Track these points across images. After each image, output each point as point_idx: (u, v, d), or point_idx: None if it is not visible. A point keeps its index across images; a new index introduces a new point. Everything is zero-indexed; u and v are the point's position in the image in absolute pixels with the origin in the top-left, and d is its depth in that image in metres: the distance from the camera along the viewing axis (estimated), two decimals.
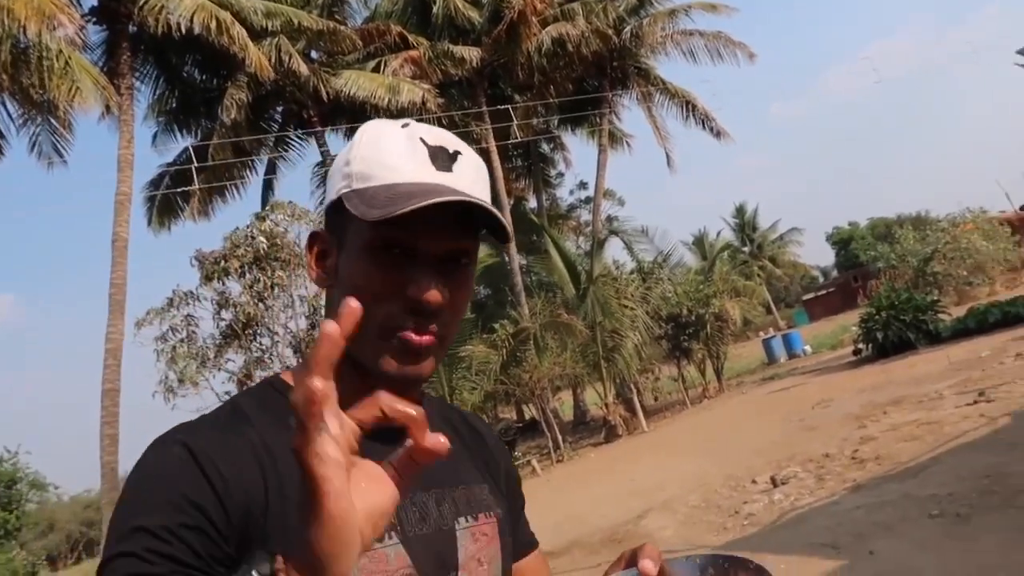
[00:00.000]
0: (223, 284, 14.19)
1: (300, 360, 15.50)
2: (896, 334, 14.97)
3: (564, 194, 30.29)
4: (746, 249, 48.17)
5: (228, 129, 16.53)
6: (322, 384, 0.53)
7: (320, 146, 18.69)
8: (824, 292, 50.49)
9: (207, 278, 14.01)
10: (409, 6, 20.27)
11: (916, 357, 13.77)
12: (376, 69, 17.62)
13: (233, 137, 16.83)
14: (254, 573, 0.56)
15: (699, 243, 40.56)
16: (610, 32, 20.74)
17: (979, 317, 14.63)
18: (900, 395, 9.98)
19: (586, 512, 8.82)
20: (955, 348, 13.10)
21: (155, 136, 18.55)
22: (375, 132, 0.83)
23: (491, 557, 0.87)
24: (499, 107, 20.34)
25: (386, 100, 16.29)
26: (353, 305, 0.56)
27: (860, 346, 16.39)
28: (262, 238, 13.89)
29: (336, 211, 0.81)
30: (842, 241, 58.29)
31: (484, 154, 20.69)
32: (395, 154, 0.79)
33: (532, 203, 26.83)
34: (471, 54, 18.94)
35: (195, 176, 16.64)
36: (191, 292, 14.18)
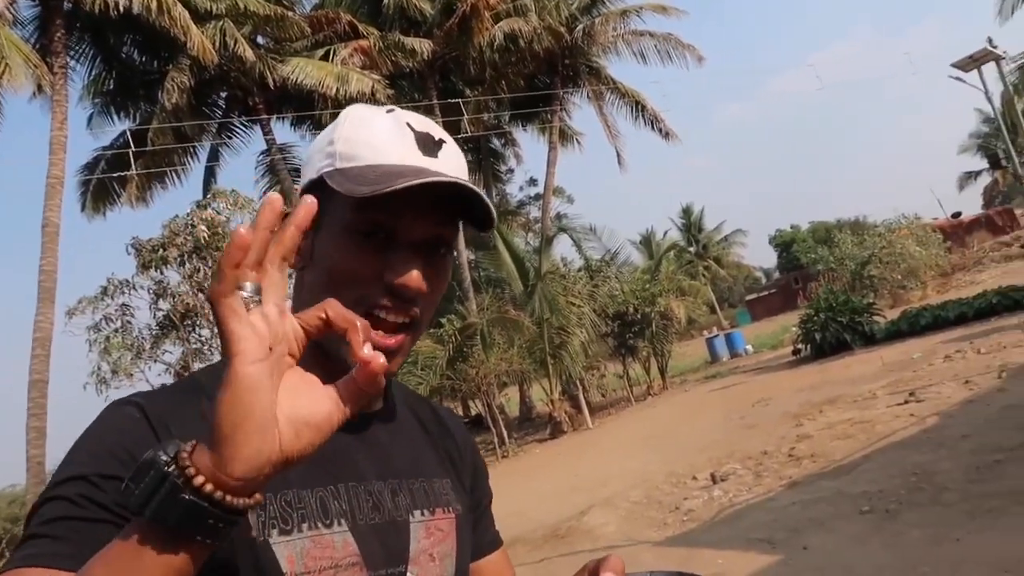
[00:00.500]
0: (161, 273, 13.79)
1: None
2: (833, 335, 15.38)
3: (514, 190, 30.31)
4: (692, 249, 48.97)
5: (169, 114, 16.00)
6: (249, 234, 0.52)
7: (265, 134, 18.25)
8: (766, 293, 51.73)
9: (144, 266, 13.58)
10: None
11: (852, 358, 14.18)
12: (325, 57, 17.29)
13: (174, 122, 16.29)
14: (160, 453, 0.53)
15: (646, 242, 41.07)
16: (562, 30, 20.79)
17: (911, 320, 15.14)
18: (836, 394, 10.25)
19: (530, 508, 8.81)
20: (888, 350, 13.53)
21: (90, 118, 17.85)
22: (360, 115, 0.82)
23: (444, 553, 0.84)
24: (450, 101, 20.19)
25: (334, 89, 15.99)
26: (308, 201, 0.57)
27: (799, 346, 16.81)
28: (203, 227, 13.51)
29: (315, 191, 0.78)
30: (784, 244, 59.77)
31: None
32: (382, 136, 0.78)
33: None
34: (422, 46, 18.74)
35: (133, 161, 16.06)
36: (127, 281, 13.74)
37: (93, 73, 16.96)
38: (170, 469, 0.52)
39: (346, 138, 0.79)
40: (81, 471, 0.66)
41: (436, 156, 0.80)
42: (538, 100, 22.41)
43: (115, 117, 17.91)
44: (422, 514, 0.83)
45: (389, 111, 0.82)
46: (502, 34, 19.07)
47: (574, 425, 16.26)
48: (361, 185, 0.73)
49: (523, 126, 25.00)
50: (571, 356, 16.17)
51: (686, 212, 51.96)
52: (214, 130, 18.79)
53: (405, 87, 20.68)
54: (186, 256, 13.55)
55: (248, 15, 15.76)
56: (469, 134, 21.11)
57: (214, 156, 19.24)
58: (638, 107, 22.95)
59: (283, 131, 24.96)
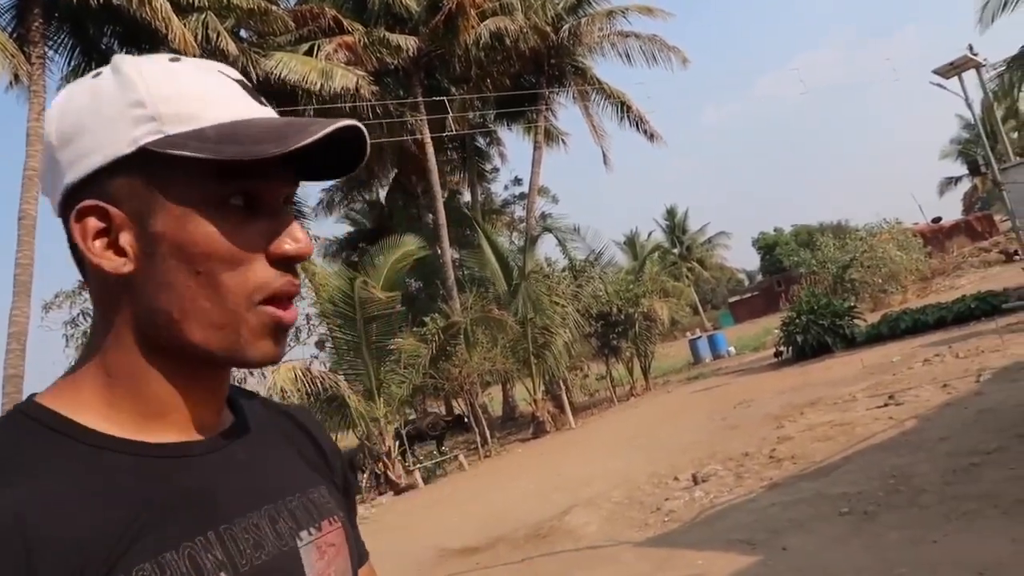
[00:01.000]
0: None
1: None
2: (815, 338, 15.49)
3: (499, 189, 30.22)
4: (676, 251, 49.23)
5: None
6: None
7: None
8: (749, 295, 52.07)
9: None
10: None
11: (833, 360, 14.29)
12: (309, 53, 17.14)
13: None
14: None
15: (631, 243, 41.20)
16: (548, 29, 20.78)
17: (891, 324, 15.29)
18: (816, 397, 10.32)
19: (512, 507, 8.79)
20: (869, 353, 13.65)
21: None
22: (158, 66, 0.66)
23: (342, 571, 0.74)
24: (435, 98, 20.12)
25: (318, 85, 15.86)
26: None
27: (781, 349, 16.91)
28: None
29: (124, 170, 0.63)
30: (767, 246, 60.19)
31: (419, 145, 20.48)
32: (210, 88, 0.65)
33: (466, 197, 26.69)
34: (408, 43, 18.65)
35: None
36: None
37: (72, 64, 16.68)
38: None
39: (162, 96, 0.63)
40: None
41: (265, 104, 0.69)
42: (524, 99, 22.39)
43: None
44: (309, 533, 0.71)
45: (174, 59, 0.67)
46: (488, 32, 19.02)
47: (557, 425, 16.26)
48: (257, 144, 0.61)
49: (508, 125, 24.97)
50: (554, 356, 16.17)
51: (670, 214, 52.24)
52: None
53: (390, 84, 20.58)
54: None
55: (231, 8, 15.58)
56: (454, 132, 21.05)
57: None
58: (623, 108, 22.99)
59: None
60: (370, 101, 17.02)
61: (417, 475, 13.83)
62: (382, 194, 28.24)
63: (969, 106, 18.11)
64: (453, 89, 21.93)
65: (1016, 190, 15.31)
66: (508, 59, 21.00)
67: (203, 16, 14.93)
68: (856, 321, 16.06)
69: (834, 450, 7.08)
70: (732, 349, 24.72)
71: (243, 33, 17.81)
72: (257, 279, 0.65)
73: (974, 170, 46.22)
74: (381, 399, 13.67)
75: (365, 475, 14.20)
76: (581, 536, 6.65)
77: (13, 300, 12.25)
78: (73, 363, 0.71)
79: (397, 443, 14.05)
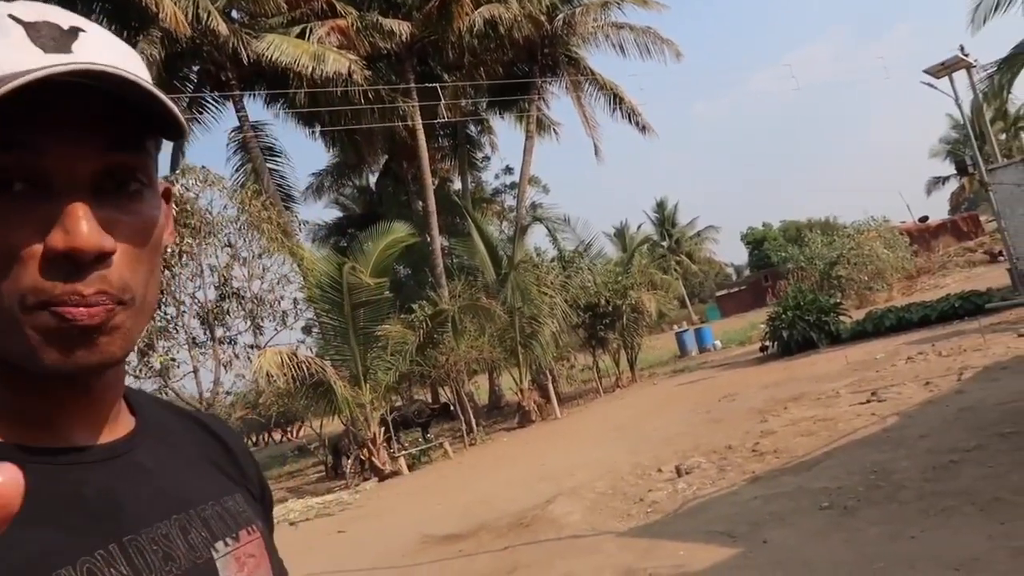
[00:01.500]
0: None
1: (205, 330, 15.00)
2: (800, 333, 15.60)
3: (489, 178, 30.19)
4: (665, 244, 49.35)
5: None
6: None
7: (238, 111, 17.92)
8: (736, 290, 52.30)
9: None
10: None
11: (817, 356, 14.40)
12: (301, 35, 17.00)
13: None
14: None
15: (620, 235, 41.23)
16: (543, 18, 20.69)
17: (876, 321, 15.41)
18: (800, 392, 10.40)
19: (496, 495, 8.82)
20: (853, 349, 13.76)
21: None
22: None
23: None
24: (427, 85, 20.01)
25: (310, 68, 15.75)
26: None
27: (767, 343, 17.02)
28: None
29: None
30: (755, 241, 60.40)
31: (410, 132, 20.38)
32: None
33: (457, 185, 26.63)
34: (401, 28, 18.53)
35: None
36: None
37: None
38: None
39: None
40: None
41: (69, 50, 0.54)
42: (516, 88, 22.31)
43: None
44: (226, 544, 0.65)
45: None
46: (482, 20, 18.92)
47: (543, 415, 16.31)
48: None
49: (500, 114, 24.89)
50: (541, 346, 16.20)
51: (660, 206, 52.33)
52: (184, 104, 18.40)
53: (382, 69, 20.44)
54: None
55: None
56: (446, 119, 20.96)
57: None
58: (616, 99, 22.96)
59: (256, 108, 24.55)
60: (362, 86, 16.89)
61: (402, 462, 13.85)
62: (372, 180, 28.14)
63: (959, 106, 18.22)
64: (446, 76, 21.83)
65: (1002, 191, 15.44)
66: (501, 47, 20.91)
67: None
68: (841, 318, 16.19)
69: (816, 445, 7.14)
70: (718, 343, 24.86)
71: (235, 14, 17.65)
72: (29, 281, 0.53)
73: (962, 170, 46.51)
74: (367, 385, 13.65)
75: (350, 460, 14.21)
76: (564, 525, 6.69)
77: None
78: None
79: (382, 429, 14.05)
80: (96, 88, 0.53)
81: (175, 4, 14.07)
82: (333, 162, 26.47)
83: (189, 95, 18.35)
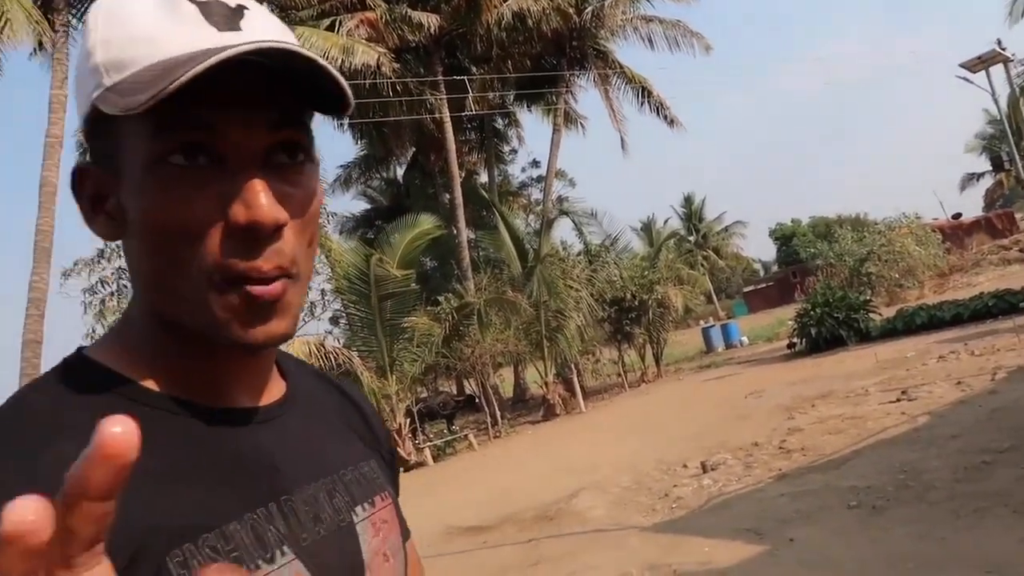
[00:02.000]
0: None
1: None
2: (829, 331, 15.42)
3: (516, 171, 30.18)
4: (692, 238, 49.00)
5: None
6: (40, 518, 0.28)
7: None
8: (764, 285, 51.78)
9: None
10: None
11: (846, 354, 14.23)
12: (330, 28, 17.12)
13: None
14: None
15: (647, 229, 40.98)
16: (571, 11, 20.60)
17: (907, 319, 15.18)
18: (828, 389, 10.29)
19: (520, 488, 8.86)
20: (883, 347, 13.56)
21: None
22: (112, 7, 0.57)
23: (395, 548, 0.71)
24: (455, 78, 20.03)
25: (339, 61, 15.82)
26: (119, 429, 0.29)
27: (794, 340, 16.85)
28: None
29: (99, 130, 0.58)
30: (784, 237, 59.77)
31: (438, 124, 20.44)
32: (150, 23, 0.55)
33: (483, 178, 26.65)
34: (430, 20, 18.56)
35: None
36: None
37: None
38: None
39: (105, 40, 0.56)
40: None
41: (239, 28, 0.56)
42: (544, 81, 22.25)
43: None
44: (363, 509, 0.68)
45: None
46: (510, 12, 18.90)
47: (567, 408, 16.33)
48: (136, 95, 0.51)
49: (528, 107, 24.87)
50: (567, 340, 16.20)
51: (687, 201, 51.94)
52: None
53: (411, 61, 20.50)
54: None
55: None
56: (473, 112, 20.98)
57: None
58: (644, 92, 22.82)
59: None
60: (390, 79, 16.96)
61: (427, 453, 13.96)
62: (399, 172, 28.26)
63: (995, 101, 17.86)
64: (473, 69, 21.84)
65: None
66: (529, 40, 20.86)
67: None
68: (871, 315, 15.96)
69: (844, 443, 7.07)
70: (745, 339, 24.65)
71: (266, 7, 17.79)
72: (213, 257, 0.55)
73: (997, 166, 45.56)
74: (393, 376, 13.77)
75: None
76: (588, 519, 6.70)
77: (33, 267, 12.41)
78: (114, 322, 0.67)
79: (408, 420, 14.17)
80: (262, 64, 0.54)
81: None
82: (361, 154, 26.64)
83: None
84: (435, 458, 14.00)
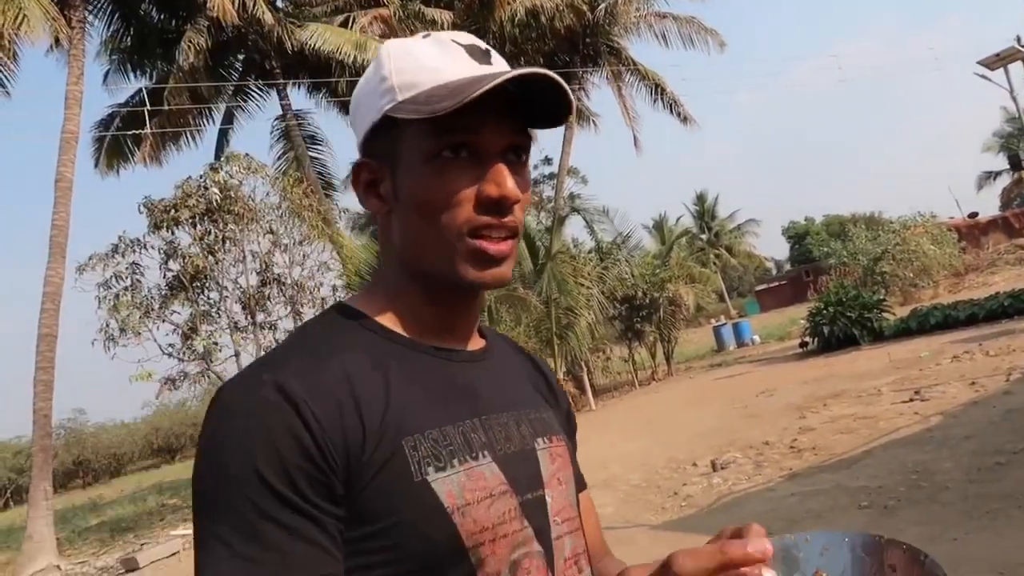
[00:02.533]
0: (172, 234, 13.77)
1: (246, 315, 15.32)
2: (842, 330, 15.31)
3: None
4: (704, 236, 48.82)
5: (185, 74, 15.92)
6: None
7: (281, 99, 18.15)
8: (776, 284, 51.51)
9: (156, 226, 13.56)
10: None
11: (859, 353, 14.13)
12: (344, 24, 17.13)
13: (190, 82, 16.23)
14: None
15: (658, 227, 40.93)
16: (584, 8, 20.54)
17: (921, 319, 15.05)
18: (841, 389, 10.23)
19: None
20: (896, 347, 13.46)
21: (107, 75, 17.77)
22: (401, 46, 0.81)
23: (567, 478, 0.87)
24: None
25: (352, 57, 15.84)
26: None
27: (807, 339, 16.75)
28: (215, 189, 13.47)
29: (381, 133, 0.80)
30: (797, 235, 59.45)
31: None
32: (434, 57, 0.78)
33: None
34: (443, 17, 18.53)
35: (148, 119, 16.03)
36: (138, 240, 13.72)
37: (111, 29, 16.88)
38: None
39: (399, 69, 0.78)
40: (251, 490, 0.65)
41: (490, 63, 0.79)
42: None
43: (131, 75, 17.85)
44: (543, 441, 0.85)
45: (425, 36, 0.82)
46: (523, 9, 18.86)
47: (577, 406, 16.31)
48: (440, 102, 0.72)
49: None
50: (577, 337, 16.17)
51: (700, 199, 51.69)
52: (230, 93, 18.70)
53: None
54: (198, 218, 13.51)
55: None
56: None
57: (228, 119, 19.18)
58: (658, 90, 22.72)
59: (299, 98, 24.84)
60: None
61: None
62: None
63: (1014, 99, 17.65)
64: None
65: None
66: (543, 37, 20.82)
67: None
68: (885, 314, 15.83)
69: (856, 443, 7.03)
70: (757, 338, 24.53)
71: (279, 3, 17.85)
72: (463, 217, 0.77)
73: (1015, 165, 45.09)
74: None
75: None
76: (598, 517, 6.69)
77: (48, 261, 12.50)
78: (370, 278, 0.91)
79: None
80: (505, 89, 0.72)
81: None
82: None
83: (234, 83, 18.66)
84: None
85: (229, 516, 0.65)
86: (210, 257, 13.67)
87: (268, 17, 15.64)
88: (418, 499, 0.70)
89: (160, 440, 42.41)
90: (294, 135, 18.05)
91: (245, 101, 19.07)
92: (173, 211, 13.39)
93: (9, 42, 12.60)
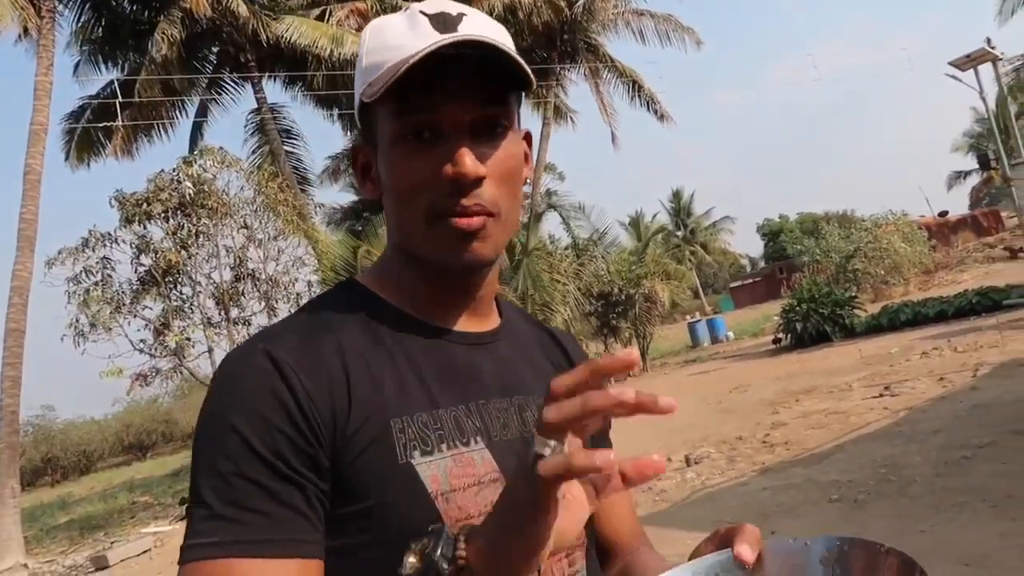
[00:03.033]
0: (144, 228, 13.56)
1: (219, 310, 15.12)
2: (814, 326, 15.52)
3: None
4: (679, 233, 49.14)
5: (158, 66, 15.67)
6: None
7: (256, 93, 17.92)
8: (751, 281, 51.98)
9: (127, 220, 13.35)
10: None
11: (831, 349, 14.33)
12: (320, 17, 16.97)
13: (163, 75, 15.97)
14: (437, 554, 0.58)
15: (635, 224, 41.11)
16: (562, 4, 20.56)
17: (892, 315, 15.29)
18: (813, 384, 10.36)
19: None
20: (867, 343, 13.67)
21: (77, 66, 17.40)
22: (377, 25, 0.79)
23: None
24: None
25: (328, 51, 15.70)
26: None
27: (780, 335, 16.95)
28: (188, 183, 13.28)
29: (364, 117, 0.81)
30: (772, 233, 59.98)
31: None
32: (400, 34, 0.75)
33: None
34: None
35: (119, 112, 15.76)
36: (109, 234, 13.50)
37: (82, 19, 16.54)
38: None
39: (369, 50, 0.77)
40: (242, 448, 0.66)
41: (456, 30, 0.74)
42: (535, 75, 22.07)
43: (103, 66, 17.49)
44: None
45: (407, 9, 0.78)
46: (501, 5, 18.81)
47: None
48: (375, 87, 0.72)
49: None
50: None
51: (676, 196, 52.03)
52: (204, 85, 18.45)
53: None
54: (170, 212, 13.33)
55: None
56: None
57: (202, 112, 18.90)
58: (635, 87, 22.81)
59: (275, 91, 24.48)
60: None
61: None
62: None
63: (983, 99, 17.98)
64: None
65: None
66: (520, 33, 20.77)
67: None
68: (856, 311, 16.07)
69: (827, 438, 7.13)
70: (731, 334, 24.76)
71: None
72: (431, 200, 0.74)
73: (984, 164, 45.86)
74: None
75: None
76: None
77: (16, 255, 12.24)
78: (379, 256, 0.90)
79: None
80: (471, 56, 0.71)
81: None
82: (350, 145, 26.50)
83: (208, 76, 18.40)
84: None
85: (211, 477, 0.66)
86: (183, 252, 13.49)
87: (243, 9, 15.45)
88: (401, 482, 0.70)
89: (131, 437, 41.73)
90: (269, 129, 17.85)
91: (219, 94, 18.81)
92: (145, 205, 13.18)
93: None
